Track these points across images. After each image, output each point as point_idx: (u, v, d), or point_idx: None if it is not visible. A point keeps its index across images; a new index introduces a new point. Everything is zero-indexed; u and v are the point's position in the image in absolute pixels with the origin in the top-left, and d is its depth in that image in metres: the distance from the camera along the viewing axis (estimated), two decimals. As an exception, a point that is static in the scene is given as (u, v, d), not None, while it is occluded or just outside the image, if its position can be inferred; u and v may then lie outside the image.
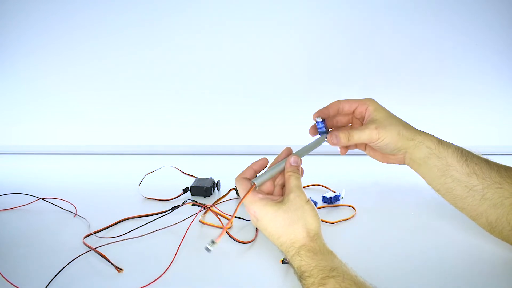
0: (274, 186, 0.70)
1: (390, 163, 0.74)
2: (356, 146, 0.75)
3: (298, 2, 1.13)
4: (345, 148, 0.75)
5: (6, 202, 0.96)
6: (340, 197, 0.94)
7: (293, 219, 0.61)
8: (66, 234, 0.84)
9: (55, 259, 0.74)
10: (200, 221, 0.86)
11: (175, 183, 1.02)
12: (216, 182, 1.02)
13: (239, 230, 0.84)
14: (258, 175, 0.69)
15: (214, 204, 0.93)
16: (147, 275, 0.69)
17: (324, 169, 1.18)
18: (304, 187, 1.01)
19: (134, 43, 1.19)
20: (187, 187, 1.00)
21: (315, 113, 0.72)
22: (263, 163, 0.70)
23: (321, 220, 0.86)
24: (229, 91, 1.24)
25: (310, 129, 0.74)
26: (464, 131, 1.24)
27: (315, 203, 0.92)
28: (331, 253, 0.60)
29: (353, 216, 0.88)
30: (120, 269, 0.71)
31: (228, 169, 1.06)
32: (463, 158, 0.67)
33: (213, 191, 1.01)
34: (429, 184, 0.71)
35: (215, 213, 0.86)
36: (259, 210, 0.63)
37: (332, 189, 0.99)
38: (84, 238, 0.81)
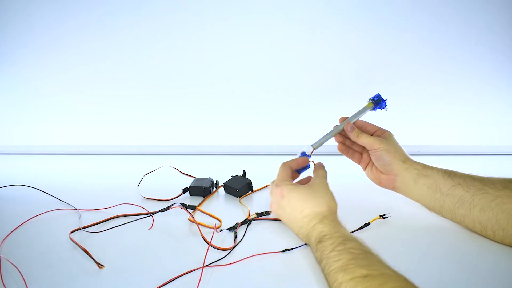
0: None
1: (382, 185, 0.85)
2: (359, 155, 0.90)
3: (300, 3, 1.13)
4: (344, 146, 0.89)
5: (6, 202, 0.97)
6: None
7: (318, 195, 0.71)
8: (64, 234, 0.84)
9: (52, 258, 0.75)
10: (189, 220, 0.88)
11: (174, 183, 1.02)
12: (215, 182, 1.02)
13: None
14: (314, 142, 0.84)
15: (201, 204, 0.95)
16: (133, 272, 0.71)
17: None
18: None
19: (134, 44, 1.20)
20: (187, 187, 1.00)
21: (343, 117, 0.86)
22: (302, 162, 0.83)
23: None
24: (229, 91, 1.24)
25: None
26: (464, 131, 1.24)
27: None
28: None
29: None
30: (101, 265, 0.73)
31: (227, 169, 1.06)
32: (446, 174, 0.76)
33: (212, 191, 1.01)
34: (423, 204, 0.80)
35: (204, 212, 0.90)
36: (287, 188, 0.73)
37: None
38: (71, 232, 0.83)
